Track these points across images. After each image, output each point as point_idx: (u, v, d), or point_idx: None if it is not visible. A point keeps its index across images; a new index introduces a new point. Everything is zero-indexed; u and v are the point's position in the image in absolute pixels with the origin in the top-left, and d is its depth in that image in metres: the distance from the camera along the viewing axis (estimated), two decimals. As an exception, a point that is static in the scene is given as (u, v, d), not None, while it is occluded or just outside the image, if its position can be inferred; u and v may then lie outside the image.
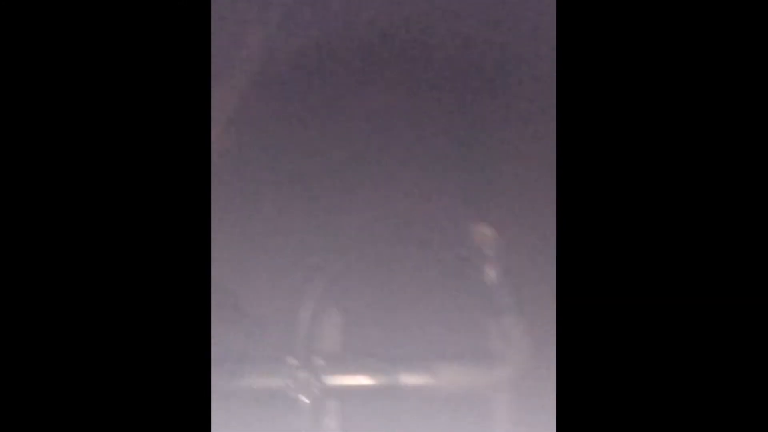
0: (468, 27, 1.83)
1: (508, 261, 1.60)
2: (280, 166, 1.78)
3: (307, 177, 1.77)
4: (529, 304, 1.55)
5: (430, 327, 1.51)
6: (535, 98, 1.75)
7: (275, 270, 1.69)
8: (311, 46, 1.83)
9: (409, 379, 1.38)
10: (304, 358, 1.38)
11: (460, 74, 1.83)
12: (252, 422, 1.42)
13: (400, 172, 1.78)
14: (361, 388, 1.39)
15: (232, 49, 1.78)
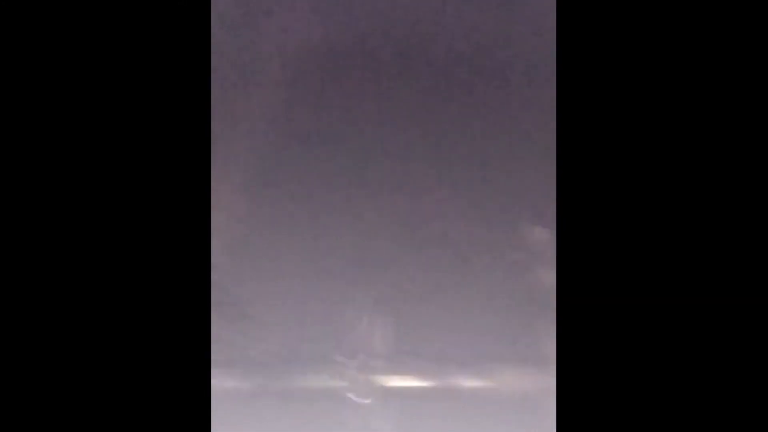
0: (468, 27, 1.83)
1: (508, 261, 1.60)
2: (280, 165, 1.78)
3: (308, 177, 1.77)
4: (528, 305, 1.55)
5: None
6: (535, 98, 1.75)
7: (278, 271, 1.69)
8: (311, 47, 1.83)
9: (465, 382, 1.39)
10: (359, 359, 1.40)
11: (461, 74, 1.83)
12: (307, 419, 1.43)
13: (400, 173, 1.78)
14: (415, 389, 1.40)
15: (232, 49, 1.77)
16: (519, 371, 1.40)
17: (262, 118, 1.81)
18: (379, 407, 1.39)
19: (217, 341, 1.41)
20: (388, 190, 1.76)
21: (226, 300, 1.50)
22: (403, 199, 1.75)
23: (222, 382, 1.44)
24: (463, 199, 1.74)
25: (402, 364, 1.42)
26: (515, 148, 1.76)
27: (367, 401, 1.38)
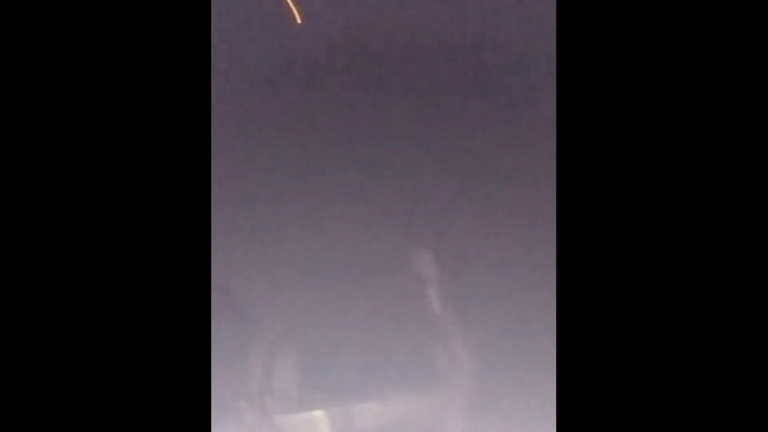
0: (468, 27, 1.83)
1: (506, 260, 1.61)
2: (280, 165, 1.78)
3: (307, 177, 1.77)
4: (528, 307, 1.56)
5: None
6: (535, 98, 1.75)
7: (276, 270, 1.69)
8: (311, 47, 1.83)
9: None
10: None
11: (461, 74, 1.83)
12: None
13: (401, 172, 1.78)
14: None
15: (232, 49, 1.78)
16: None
17: (262, 117, 1.81)
18: (384, 404, 1.42)
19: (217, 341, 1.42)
20: (389, 190, 1.76)
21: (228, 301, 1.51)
22: (403, 198, 1.75)
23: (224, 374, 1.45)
24: (465, 202, 1.74)
25: (403, 363, 1.45)
26: (515, 148, 1.76)
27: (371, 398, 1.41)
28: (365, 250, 1.68)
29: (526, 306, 1.55)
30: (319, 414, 1.41)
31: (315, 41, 1.83)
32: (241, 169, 1.75)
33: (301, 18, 1.77)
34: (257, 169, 1.77)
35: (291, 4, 1.66)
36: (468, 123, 1.80)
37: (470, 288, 1.46)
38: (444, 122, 1.81)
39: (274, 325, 1.57)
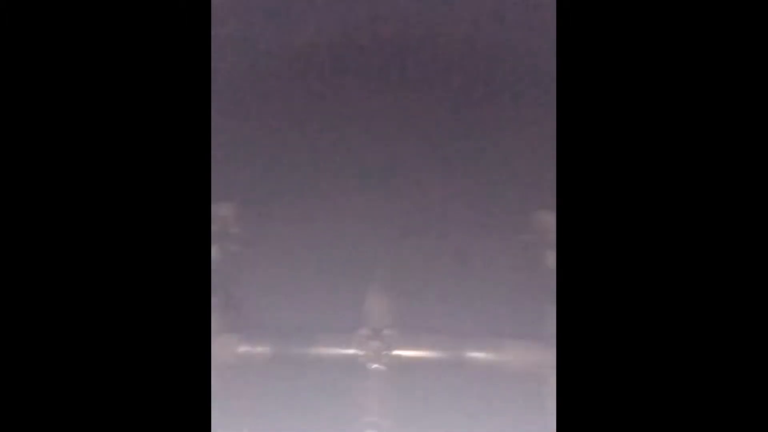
0: (468, 27, 1.83)
1: (506, 260, 1.63)
2: (281, 165, 1.78)
3: (307, 176, 1.78)
4: (528, 308, 1.57)
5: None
6: (535, 98, 1.75)
7: (274, 270, 1.69)
8: (311, 46, 1.83)
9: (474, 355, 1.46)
10: (370, 329, 1.46)
11: (461, 74, 1.83)
12: (318, 387, 1.49)
13: (400, 172, 1.78)
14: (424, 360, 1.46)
15: (232, 49, 1.78)
16: (523, 346, 1.46)
17: (262, 117, 1.81)
18: (389, 375, 1.43)
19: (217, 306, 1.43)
20: (389, 191, 1.76)
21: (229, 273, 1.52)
22: (405, 193, 1.76)
23: (232, 349, 1.47)
24: (464, 199, 1.74)
25: (411, 335, 1.47)
26: (515, 149, 1.76)
27: (374, 366, 1.43)
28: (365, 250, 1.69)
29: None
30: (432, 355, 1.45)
31: (313, 40, 1.83)
32: (241, 169, 1.75)
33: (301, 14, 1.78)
34: (257, 169, 1.77)
35: None
36: (468, 123, 1.80)
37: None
38: (444, 122, 1.81)
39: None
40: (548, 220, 1.57)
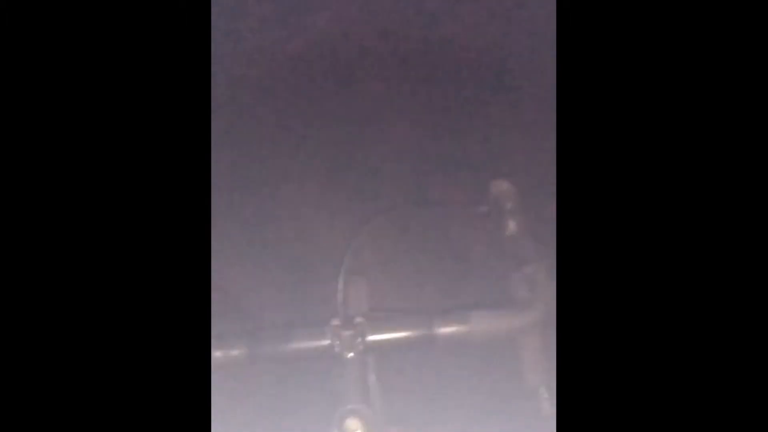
0: (468, 26, 1.83)
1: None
2: (280, 165, 1.78)
3: (307, 176, 1.78)
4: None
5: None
6: (535, 98, 1.75)
7: (275, 270, 1.69)
8: (310, 45, 1.83)
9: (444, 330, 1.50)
10: (344, 318, 1.49)
11: (460, 74, 1.83)
12: (296, 382, 1.54)
13: (400, 173, 1.78)
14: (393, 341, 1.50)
15: (232, 49, 1.78)
16: (492, 316, 1.48)
17: (262, 116, 1.81)
18: (362, 360, 1.47)
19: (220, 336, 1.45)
20: (390, 191, 1.76)
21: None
22: (403, 198, 1.76)
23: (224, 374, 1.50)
24: (464, 199, 1.74)
25: (380, 319, 1.51)
26: (515, 148, 1.76)
27: (350, 355, 1.46)
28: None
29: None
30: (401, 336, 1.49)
31: (313, 40, 1.83)
32: (242, 169, 1.75)
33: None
34: (257, 169, 1.77)
35: None
36: (468, 122, 1.80)
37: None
38: (444, 122, 1.81)
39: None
40: (506, 188, 1.59)
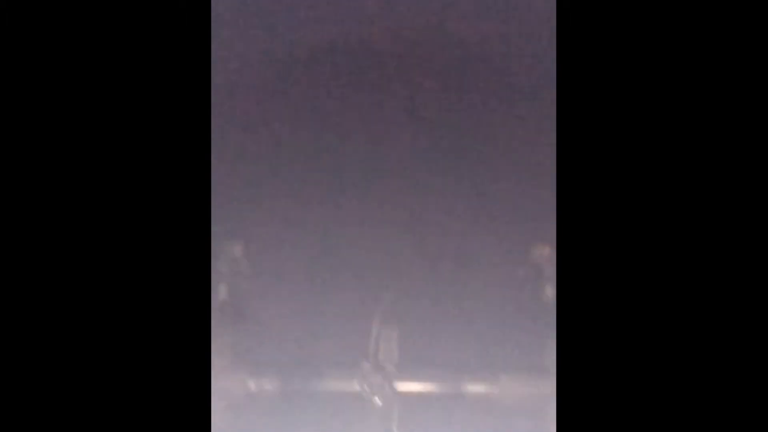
0: (468, 26, 1.83)
1: (506, 261, 1.64)
2: (280, 165, 1.78)
3: (307, 177, 1.77)
4: (527, 309, 1.57)
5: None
6: (535, 98, 1.75)
7: (275, 270, 1.69)
8: (311, 46, 1.83)
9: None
10: (374, 364, 1.50)
11: (461, 74, 1.83)
12: (317, 420, 1.54)
13: (400, 173, 1.78)
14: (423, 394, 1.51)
15: (232, 49, 1.78)
16: (521, 378, 1.48)
17: (262, 118, 1.81)
18: (389, 409, 1.47)
19: (224, 344, 1.47)
20: (391, 193, 1.76)
21: (231, 302, 1.54)
22: (405, 200, 1.76)
23: (240, 386, 1.51)
24: (464, 203, 1.74)
25: (410, 369, 1.50)
26: (515, 150, 1.76)
27: (379, 403, 1.46)
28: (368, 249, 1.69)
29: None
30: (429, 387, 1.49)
31: (313, 40, 1.83)
32: (242, 170, 1.75)
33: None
34: (257, 170, 1.77)
35: None
36: (468, 122, 1.80)
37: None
38: (445, 122, 1.81)
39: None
40: (547, 253, 1.59)
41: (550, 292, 1.57)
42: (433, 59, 1.84)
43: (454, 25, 1.83)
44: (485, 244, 1.71)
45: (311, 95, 1.82)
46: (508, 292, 1.64)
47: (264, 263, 1.67)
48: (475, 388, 1.48)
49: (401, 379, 1.48)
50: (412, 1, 1.84)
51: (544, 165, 1.59)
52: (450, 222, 1.73)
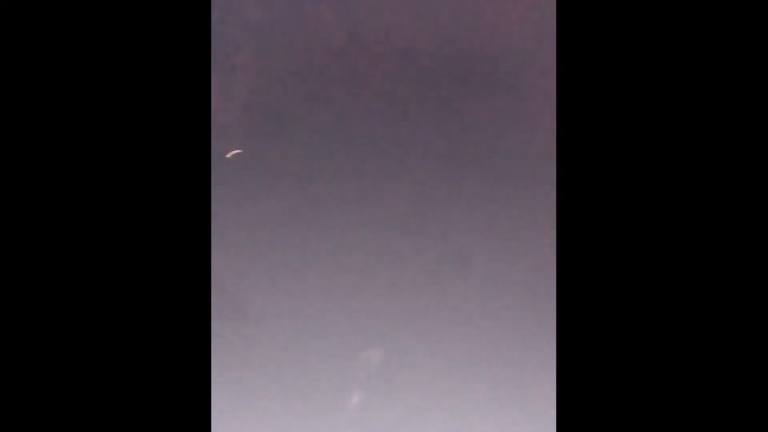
0: (468, 27, 1.83)
1: (507, 260, 1.65)
2: (280, 166, 1.78)
3: (307, 178, 1.78)
4: (527, 308, 1.58)
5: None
6: (535, 98, 1.75)
7: (275, 270, 1.69)
8: (311, 47, 1.83)
9: None
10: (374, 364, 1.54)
11: (461, 74, 1.83)
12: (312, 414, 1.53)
13: (400, 173, 1.78)
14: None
15: (232, 49, 1.78)
16: (522, 378, 1.51)
17: (262, 117, 1.81)
18: (384, 403, 1.49)
19: (220, 336, 1.47)
20: (390, 192, 1.76)
21: (227, 298, 1.55)
22: (405, 200, 1.76)
23: (224, 374, 1.50)
24: (465, 201, 1.74)
25: (411, 369, 1.52)
26: (515, 149, 1.76)
27: (371, 397, 1.48)
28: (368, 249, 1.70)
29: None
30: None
31: (314, 41, 1.83)
32: (242, 170, 1.75)
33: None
34: (257, 170, 1.77)
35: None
36: (469, 122, 1.80)
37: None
38: (444, 122, 1.81)
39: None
40: (547, 253, 1.59)
41: (550, 292, 1.57)
42: (433, 59, 1.84)
43: (454, 25, 1.83)
44: (485, 244, 1.71)
45: (311, 96, 1.82)
46: (508, 292, 1.64)
47: (264, 263, 1.68)
48: (475, 387, 1.48)
49: (401, 378, 1.48)
50: (412, 4, 1.84)
51: (544, 165, 1.59)
52: (450, 222, 1.74)
